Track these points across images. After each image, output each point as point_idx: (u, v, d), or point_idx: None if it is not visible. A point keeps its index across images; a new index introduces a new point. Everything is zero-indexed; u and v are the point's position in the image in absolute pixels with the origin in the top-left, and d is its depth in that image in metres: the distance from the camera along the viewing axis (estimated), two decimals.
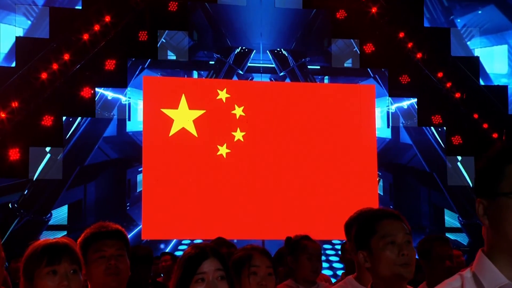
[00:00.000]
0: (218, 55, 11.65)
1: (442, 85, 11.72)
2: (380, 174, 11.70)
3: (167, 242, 10.79)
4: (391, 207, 11.46)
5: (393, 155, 11.94)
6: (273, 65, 11.70)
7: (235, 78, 11.53)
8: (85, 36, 10.61)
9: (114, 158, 11.05)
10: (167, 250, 10.19)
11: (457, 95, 11.72)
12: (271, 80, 11.62)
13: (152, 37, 11.05)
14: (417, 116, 11.77)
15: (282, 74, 11.74)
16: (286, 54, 11.81)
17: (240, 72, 11.63)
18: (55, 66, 10.46)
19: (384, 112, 11.93)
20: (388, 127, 11.93)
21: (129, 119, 11.09)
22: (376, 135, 11.65)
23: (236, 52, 11.67)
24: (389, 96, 11.73)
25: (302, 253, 4.05)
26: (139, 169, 10.96)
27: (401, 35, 11.66)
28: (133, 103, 11.10)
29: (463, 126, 11.73)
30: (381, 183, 11.78)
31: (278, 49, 11.76)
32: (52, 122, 10.54)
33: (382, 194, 11.72)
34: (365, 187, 11.11)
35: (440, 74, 11.70)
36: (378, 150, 11.65)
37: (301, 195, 10.85)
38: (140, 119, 11.02)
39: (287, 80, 11.68)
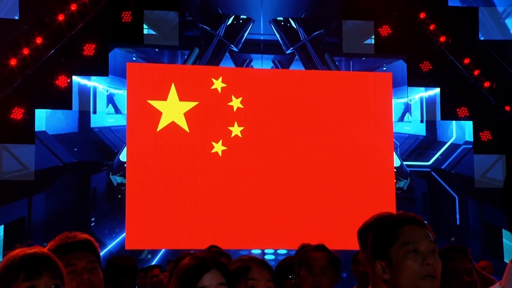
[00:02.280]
0: (205, 26, 11.32)
1: (469, 73, 11.66)
2: (412, 180, 11.45)
3: (153, 253, 10.75)
4: (425, 221, 11.11)
5: (429, 157, 11.68)
6: (278, 40, 11.47)
7: (227, 59, 11.38)
8: (60, 17, 10.55)
9: (72, 162, 10.71)
10: (153, 263, 10.15)
11: (486, 84, 11.66)
12: (274, 62, 11.51)
13: (137, 18, 10.99)
14: (440, 109, 11.71)
15: (290, 51, 11.52)
16: (295, 26, 11.60)
17: (234, 48, 11.41)
18: (26, 51, 10.41)
19: (417, 103, 11.80)
20: (422, 121, 11.80)
21: (95, 112, 10.95)
22: (409, 132, 11.51)
23: (228, 23, 11.45)
24: (408, 86, 11.67)
25: (303, 265, 4.03)
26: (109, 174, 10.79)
27: (422, 15, 11.60)
28: (100, 92, 10.96)
29: (492, 120, 11.67)
30: (413, 192, 11.52)
31: (285, 19, 11.48)
32: (23, 115, 10.50)
33: (412, 205, 11.42)
34: (381, 190, 11.05)
35: (466, 60, 11.64)
36: (409, 149, 11.49)
37: (307, 198, 10.80)
38: (109, 111, 10.87)
39: (296, 60, 11.49)
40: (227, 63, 11.38)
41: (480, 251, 10.96)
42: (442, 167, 11.72)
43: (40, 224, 10.36)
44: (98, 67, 10.83)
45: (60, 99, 10.68)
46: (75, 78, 10.75)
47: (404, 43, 11.57)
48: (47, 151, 10.56)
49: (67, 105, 10.72)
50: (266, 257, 10.53)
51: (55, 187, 10.55)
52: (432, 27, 11.64)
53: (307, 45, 11.52)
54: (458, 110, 11.71)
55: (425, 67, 11.71)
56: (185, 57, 11.28)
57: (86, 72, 10.83)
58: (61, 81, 10.65)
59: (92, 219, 10.60)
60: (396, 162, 11.48)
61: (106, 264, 4.73)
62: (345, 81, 11.37)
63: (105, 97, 10.94)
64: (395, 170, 11.52)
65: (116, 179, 10.79)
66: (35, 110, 10.59)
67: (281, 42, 11.46)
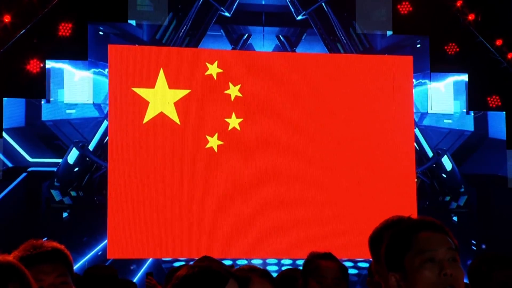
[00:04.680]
0: None
1: (502, 56, 11.63)
2: (462, 189, 11.24)
3: (139, 263, 10.75)
4: (473, 241, 11.03)
5: (478, 159, 11.39)
6: (284, 6, 11.18)
7: (219, 36, 11.24)
8: None
9: (13, 167, 10.39)
10: (139, 274, 10.14)
11: None
12: (279, 37, 11.34)
13: None
14: (468, 98, 11.69)
15: (302, 17, 11.28)
16: None
17: (225, 13, 11.18)
18: None
19: (461, 89, 11.65)
20: (468, 113, 11.62)
21: (48, 101, 10.72)
22: (450, 126, 11.36)
23: None
24: (431, 72, 11.66)
25: (312, 276, 4.06)
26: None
27: None
28: (56, 74, 10.79)
29: None
30: (455, 202, 11.34)
31: None
32: None
33: (456, 220, 11.25)
34: (400, 190, 11.04)
35: (499, 42, 11.61)
36: (452, 149, 11.35)
37: (315, 201, 10.77)
38: (68, 99, 10.65)
39: (306, 39, 11.39)
40: (219, 41, 11.18)
41: None
42: (499, 173, 11.47)
43: None
44: (75, 50, 10.76)
45: (32, 87, 10.65)
46: (65, 66, 10.69)
47: (427, 22, 11.52)
48: None
49: (40, 94, 10.68)
50: (268, 268, 10.53)
51: None
52: (459, 3, 11.59)
53: (325, 9, 11.31)
54: (488, 99, 11.68)
55: (451, 50, 11.67)
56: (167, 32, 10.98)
57: (62, 55, 10.76)
58: (33, 66, 10.61)
59: (44, 239, 10.12)
60: (446, 165, 11.30)
61: (83, 275, 4.75)
62: (359, 65, 11.30)
63: (62, 82, 10.69)
64: (444, 176, 11.42)
65: (59, 194, 10.49)
66: (3, 99, 10.57)
67: (289, 4, 11.21)
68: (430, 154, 11.48)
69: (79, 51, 10.79)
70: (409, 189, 11.11)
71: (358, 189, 10.87)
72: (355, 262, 10.86)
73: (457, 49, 11.67)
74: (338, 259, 4.31)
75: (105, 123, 10.72)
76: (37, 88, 10.65)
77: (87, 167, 10.68)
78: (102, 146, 10.70)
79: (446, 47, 11.65)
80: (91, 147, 10.70)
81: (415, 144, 11.31)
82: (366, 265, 10.34)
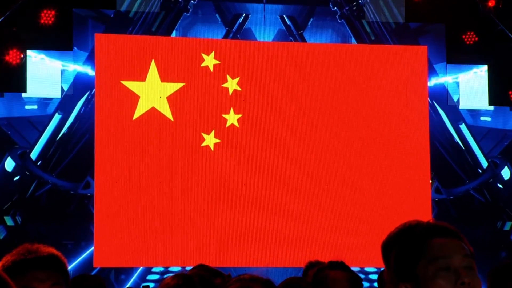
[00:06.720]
0: None
1: None
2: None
3: (128, 272, 10.76)
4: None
5: None
6: None
7: (212, 19, 11.17)
8: None
9: None
10: (128, 286, 10.17)
11: None
12: (283, 18, 11.27)
13: None
14: (488, 92, 11.70)
15: None
16: None
17: None
18: None
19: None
20: (511, 109, 11.58)
21: (1, 95, 10.60)
22: (489, 125, 11.32)
23: None
24: (447, 63, 11.66)
25: (319, 287, 4.08)
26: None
27: None
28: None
29: None
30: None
31: None
32: None
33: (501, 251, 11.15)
34: (414, 193, 11.05)
35: None
36: (494, 152, 11.30)
37: (319, 204, 10.75)
38: (30, 92, 10.54)
39: (317, 14, 11.33)
40: (212, 25, 11.23)
41: None
42: None
43: None
44: (59, 39, 10.77)
45: (11, 79, 10.65)
46: (29, 53, 10.69)
47: (442, 8, 11.53)
48: None
49: (20, 87, 10.68)
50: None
51: None
52: None
53: None
54: (510, 93, 11.70)
55: (469, 39, 11.66)
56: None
57: (44, 45, 10.77)
58: (12, 57, 10.60)
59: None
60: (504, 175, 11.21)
61: None
62: (369, 56, 11.27)
63: (23, 71, 10.57)
64: (500, 186, 11.29)
65: None
66: None
67: None
68: (484, 163, 11.35)
69: (63, 41, 10.78)
70: (423, 191, 11.11)
71: (368, 191, 10.86)
72: (364, 270, 10.88)
73: (476, 39, 11.65)
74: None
75: (56, 117, 10.60)
76: (17, 81, 10.64)
77: (28, 181, 10.44)
78: (52, 147, 10.54)
79: (464, 36, 11.63)
80: (33, 154, 10.50)
81: (460, 143, 11.25)
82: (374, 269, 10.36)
